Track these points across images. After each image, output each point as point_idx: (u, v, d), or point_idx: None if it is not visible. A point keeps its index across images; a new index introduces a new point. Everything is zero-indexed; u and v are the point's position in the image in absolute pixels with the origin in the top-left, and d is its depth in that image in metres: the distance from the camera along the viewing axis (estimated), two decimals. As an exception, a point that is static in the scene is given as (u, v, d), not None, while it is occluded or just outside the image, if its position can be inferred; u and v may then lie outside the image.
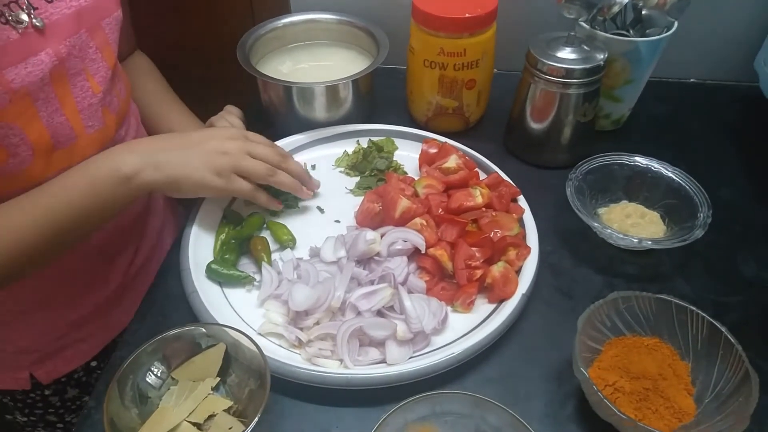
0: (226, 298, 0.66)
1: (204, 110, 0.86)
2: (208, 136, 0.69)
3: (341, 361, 0.59)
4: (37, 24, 0.59)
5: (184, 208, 0.95)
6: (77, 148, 0.66)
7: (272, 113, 0.89)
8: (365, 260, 0.68)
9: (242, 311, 0.65)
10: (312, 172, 0.82)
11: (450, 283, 0.68)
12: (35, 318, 0.74)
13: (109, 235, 0.75)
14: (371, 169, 0.82)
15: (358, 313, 0.62)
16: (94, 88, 0.67)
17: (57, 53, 0.61)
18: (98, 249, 0.74)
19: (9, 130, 0.59)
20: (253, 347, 0.54)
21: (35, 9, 0.59)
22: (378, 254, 0.67)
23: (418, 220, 0.69)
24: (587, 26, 0.81)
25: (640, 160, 0.76)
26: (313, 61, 0.94)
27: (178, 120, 0.85)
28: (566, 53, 0.77)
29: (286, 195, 0.77)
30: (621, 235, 0.68)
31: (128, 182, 0.62)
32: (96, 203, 0.62)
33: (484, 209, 0.72)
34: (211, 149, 0.67)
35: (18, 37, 0.57)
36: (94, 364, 0.82)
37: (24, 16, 0.58)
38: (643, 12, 0.83)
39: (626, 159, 0.76)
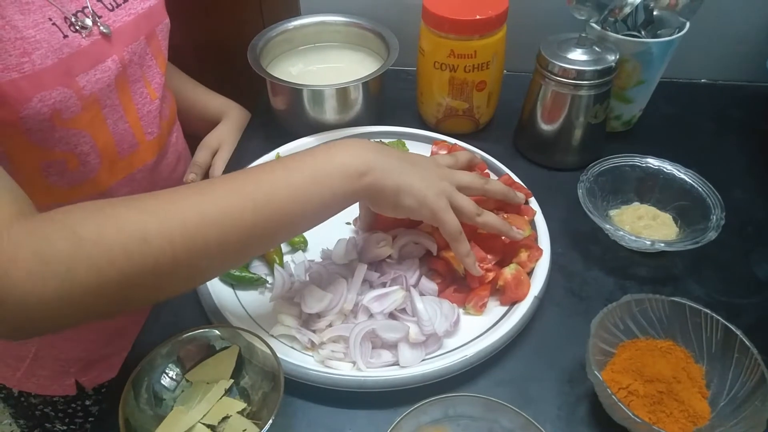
0: (239, 300, 0.67)
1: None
2: (422, 157, 0.65)
3: (354, 363, 0.60)
4: (104, 30, 0.60)
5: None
6: (138, 154, 0.67)
7: (282, 115, 0.89)
8: (377, 263, 0.68)
9: (255, 313, 0.65)
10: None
11: (462, 286, 0.68)
12: (84, 328, 0.75)
13: None
14: (382, 171, 0.82)
15: (371, 316, 0.62)
16: (152, 94, 0.68)
17: (121, 60, 0.62)
18: None
19: (81, 138, 0.60)
20: (267, 349, 0.54)
21: (99, 17, 0.60)
22: (390, 257, 0.67)
23: (429, 222, 0.69)
24: (598, 27, 0.81)
25: (652, 162, 0.75)
26: (323, 63, 0.95)
27: (217, 100, 0.89)
28: (577, 54, 0.77)
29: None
30: (633, 237, 0.68)
31: (357, 179, 0.57)
32: (317, 191, 0.56)
33: (495, 211, 0.71)
34: (432, 169, 0.62)
35: (87, 45, 0.59)
36: None
37: (89, 22, 0.59)
38: (655, 13, 0.83)
39: (638, 160, 0.75)
